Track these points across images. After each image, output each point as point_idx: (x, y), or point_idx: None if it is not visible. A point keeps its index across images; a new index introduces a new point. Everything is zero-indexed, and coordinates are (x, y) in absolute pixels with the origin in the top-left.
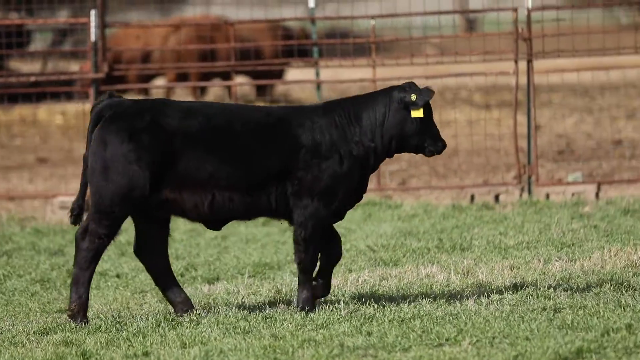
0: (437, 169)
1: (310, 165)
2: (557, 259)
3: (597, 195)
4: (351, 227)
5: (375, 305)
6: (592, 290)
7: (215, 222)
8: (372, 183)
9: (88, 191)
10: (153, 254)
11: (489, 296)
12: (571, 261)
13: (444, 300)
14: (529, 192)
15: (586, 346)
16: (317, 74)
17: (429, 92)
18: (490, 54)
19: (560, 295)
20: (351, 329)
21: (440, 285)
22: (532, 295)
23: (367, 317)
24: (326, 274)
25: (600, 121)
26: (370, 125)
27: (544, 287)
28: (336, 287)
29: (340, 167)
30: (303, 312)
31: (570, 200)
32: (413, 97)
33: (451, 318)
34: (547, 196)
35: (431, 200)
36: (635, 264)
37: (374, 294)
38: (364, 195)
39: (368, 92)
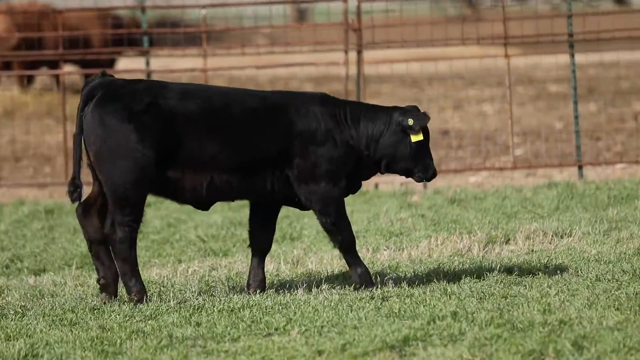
0: None
1: (307, 152)
2: (386, 248)
3: (424, 184)
4: (181, 217)
5: (205, 296)
6: (419, 279)
7: (208, 203)
8: None
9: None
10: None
11: (318, 286)
12: (399, 250)
13: (274, 290)
14: None
15: (413, 334)
16: (148, 63)
17: (425, 117)
18: (321, 45)
19: (388, 284)
20: (180, 319)
21: (270, 275)
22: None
23: (196, 307)
24: (260, 265)
25: (428, 112)
26: (366, 136)
27: (373, 275)
28: (165, 278)
29: (336, 151)
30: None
31: (398, 190)
32: (410, 122)
33: (280, 307)
34: (376, 186)
35: None
36: (461, 252)
37: (204, 285)
38: None
39: (368, 103)
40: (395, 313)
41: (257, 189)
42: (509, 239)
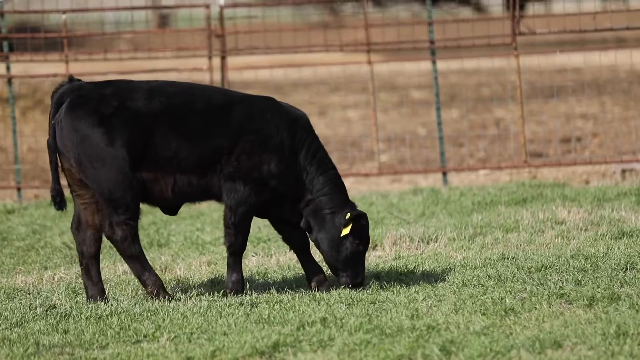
0: None
1: (253, 152)
2: (254, 255)
3: None
4: (46, 223)
5: (72, 303)
6: (288, 285)
7: (176, 207)
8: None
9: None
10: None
11: (186, 292)
12: (267, 256)
13: (142, 296)
14: None
15: (282, 340)
16: (8, 69)
17: (361, 216)
18: (184, 50)
19: (258, 290)
20: (47, 327)
21: (137, 282)
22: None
23: (63, 314)
24: (308, 259)
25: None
26: (316, 189)
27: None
28: (31, 285)
29: (277, 167)
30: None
31: None
32: (347, 216)
33: (149, 314)
34: None
35: None
36: None
37: (71, 292)
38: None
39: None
40: (265, 319)
41: (212, 188)
42: (376, 245)
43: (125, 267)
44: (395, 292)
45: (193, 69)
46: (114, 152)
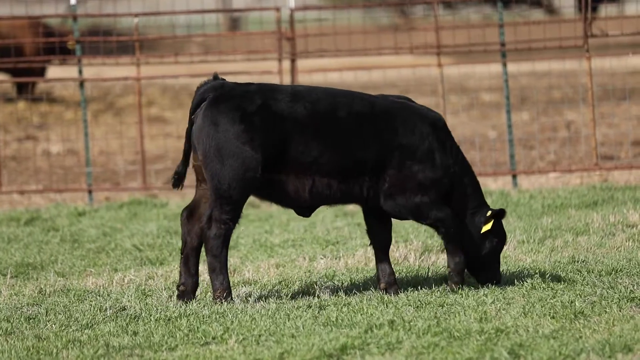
0: None
1: (403, 166)
2: (322, 257)
3: None
4: (116, 226)
5: (142, 305)
6: (356, 288)
7: (310, 208)
8: (137, 182)
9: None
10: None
11: (255, 294)
12: (336, 259)
13: (211, 298)
14: None
15: (350, 342)
16: (80, 72)
17: (501, 212)
18: (254, 53)
19: (325, 293)
20: (117, 328)
21: (207, 284)
22: (297, 293)
23: (133, 316)
24: (385, 259)
25: None
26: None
27: (310, 284)
28: (101, 287)
29: (434, 173)
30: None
31: None
32: (488, 213)
33: (218, 316)
34: None
35: None
36: (398, 261)
37: (141, 294)
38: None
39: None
40: (333, 322)
41: (355, 194)
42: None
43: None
44: (463, 295)
45: (263, 71)
46: (249, 151)
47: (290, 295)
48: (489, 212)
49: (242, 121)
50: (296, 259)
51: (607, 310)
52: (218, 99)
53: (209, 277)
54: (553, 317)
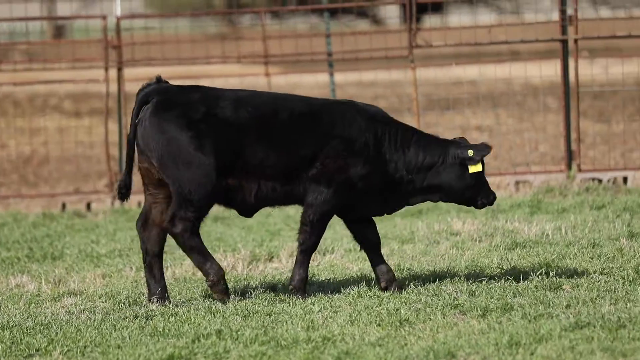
0: (27, 177)
1: (338, 155)
2: None
3: None
4: None
5: None
6: (183, 298)
7: (254, 209)
8: None
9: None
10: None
11: (80, 305)
12: (165, 268)
13: (39, 310)
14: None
15: (177, 352)
16: None
17: (486, 147)
18: (80, 62)
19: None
20: None
21: (31, 295)
22: (124, 303)
23: None
24: (379, 259)
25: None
26: (414, 162)
27: (137, 294)
28: None
29: (362, 169)
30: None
31: None
32: (470, 153)
33: (42, 328)
34: (139, 204)
35: (21, 208)
36: (226, 270)
37: None
38: None
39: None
40: (160, 332)
41: (297, 194)
42: (272, 257)
43: (21, 279)
44: (291, 303)
45: (89, 80)
46: (202, 157)
47: (116, 305)
48: (471, 151)
49: (190, 128)
50: (123, 269)
51: (432, 317)
52: (163, 104)
53: (197, 269)
54: (379, 325)
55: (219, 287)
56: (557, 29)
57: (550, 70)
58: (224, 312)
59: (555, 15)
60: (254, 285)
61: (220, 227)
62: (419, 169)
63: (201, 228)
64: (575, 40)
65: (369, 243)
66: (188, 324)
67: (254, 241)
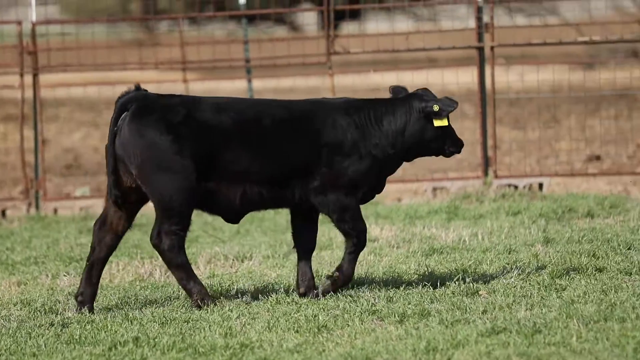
0: None
1: (332, 162)
2: (66, 274)
3: None
4: None
5: None
6: (100, 305)
7: (238, 214)
8: None
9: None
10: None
11: None
12: (79, 276)
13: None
14: (37, 207)
15: None
16: None
17: (451, 102)
18: None
19: (69, 310)
20: None
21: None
22: (39, 311)
23: None
24: (307, 263)
25: (106, 136)
26: (390, 131)
27: (52, 302)
28: None
29: (360, 164)
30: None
31: (78, 215)
32: (436, 108)
33: None
34: (55, 211)
35: None
36: (143, 277)
37: None
38: None
39: (383, 98)
40: (76, 340)
41: (285, 199)
42: (191, 264)
43: None
44: (209, 310)
45: (4, 86)
46: (182, 161)
47: (32, 313)
48: (436, 106)
49: (169, 132)
50: (39, 277)
51: (350, 323)
52: (141, 110)
53: (182, 288)
54: (297, 331)
55: (203, 306)
56: (474, 36)
57: (467, 77)
58: (141, 320)
59: (472, 23)
60: (171, 292)
61: (138, 234)
62: (395, 137)
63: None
64: (492, 48)
65: (304, 246)
66: (105, 332)
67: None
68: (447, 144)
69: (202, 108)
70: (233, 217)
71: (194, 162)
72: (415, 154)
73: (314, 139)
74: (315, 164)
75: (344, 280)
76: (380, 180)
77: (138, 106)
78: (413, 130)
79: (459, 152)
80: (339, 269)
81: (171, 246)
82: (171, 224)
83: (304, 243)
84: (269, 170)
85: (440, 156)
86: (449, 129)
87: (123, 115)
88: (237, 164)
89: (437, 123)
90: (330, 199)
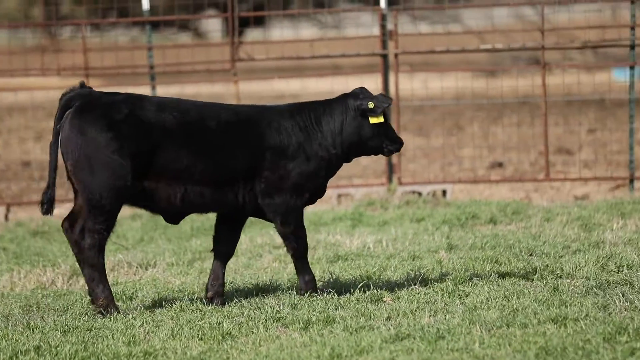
0: None
1: (277, 166)
2: None
3: (6, 217)
4: None
5: None
6: (1, 314)
7: (179, 215)
8: None
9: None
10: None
11: None
12: None
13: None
14: None
15: None
16: None
17: (386, 98)
18: None
19: None
20: None
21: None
22: None
23: None
24: (222, 269)
25: (8, 142)
26: (329, 132)
27: None
28: None
29: (307, 166)
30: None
31: None
32: (371, 105)
33: None
34: (7, 217)
35: None
36: (45, 285)
37: None
38: None
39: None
40: None
41: (228, 202)
42: None
43: None
44: (112, 318)
45: None
46: (118, 160)
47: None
48: (371, 103)
49: (110, 129)
50: None
51: (254, 330)
52: (84, 107)
53: (87, 286)
54: (201, 339)
55: (107, 312)
56: (378, 43)
57: (371, 84)
58: (43, 328)
59: (376, 30)
60: (74, 300)
61: (40, 242)
62: (334, 137)
63: (21, 242)
64: (396, 55)
65: (223, 250)
66: (5, 340)
67: (75, 256)
68: (385, 142)
69: (145, 106)
70: (174, 217)
71: (134, 160)
72: (355, 154)
73: (258, 142)
74: (260, 167)
75: (307, 286)
76: (323, 183)
77: (81, 103)
78: (350, 129)
79: (398, 150)
80: (300, 288)
81: (92, 245)
82: (97, 222)
83: (224, 247)
84: (211, 172)
85: (380, 155)
86: (386, 126)
87: (67, 112)
88: (179, 164)
89: (372, 120)
90: (277, 201)
